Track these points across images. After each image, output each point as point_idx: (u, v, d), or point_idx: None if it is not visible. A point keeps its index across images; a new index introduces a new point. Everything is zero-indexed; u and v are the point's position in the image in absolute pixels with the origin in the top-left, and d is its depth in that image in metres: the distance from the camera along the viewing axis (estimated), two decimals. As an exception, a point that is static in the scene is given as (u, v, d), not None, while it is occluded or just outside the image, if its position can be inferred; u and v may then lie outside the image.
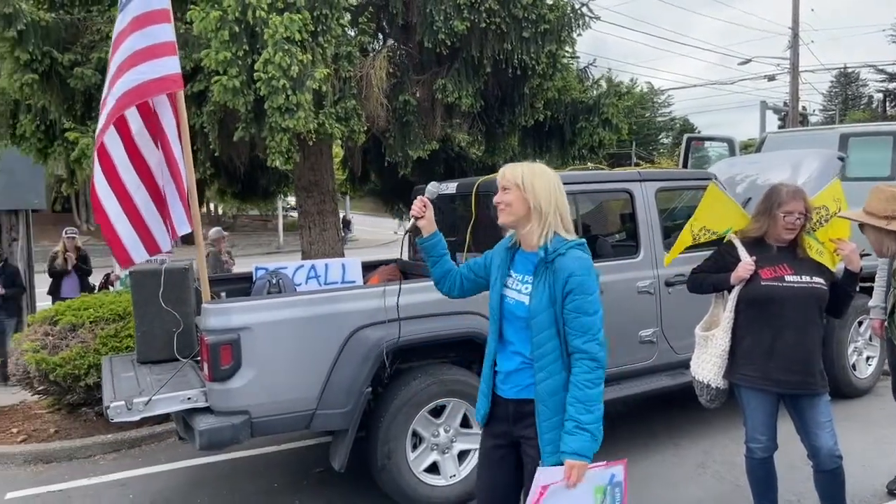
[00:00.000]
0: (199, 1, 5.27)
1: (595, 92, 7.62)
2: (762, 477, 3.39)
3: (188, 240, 5.45)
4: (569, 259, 2.35)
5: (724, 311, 3.38)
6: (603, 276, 4.49)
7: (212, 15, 4.99)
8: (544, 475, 2.30)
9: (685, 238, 3.62)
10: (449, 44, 6.25)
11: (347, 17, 6.36)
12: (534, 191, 2.40)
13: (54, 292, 8.61)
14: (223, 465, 4.94)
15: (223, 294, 4.91)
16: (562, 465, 2.27)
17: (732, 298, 3.32)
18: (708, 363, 3.43)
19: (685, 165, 9.26)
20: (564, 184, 4.60)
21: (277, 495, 4.40)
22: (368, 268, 5.54)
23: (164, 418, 5.15)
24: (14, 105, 6.45)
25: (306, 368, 3.70)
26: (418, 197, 2.64)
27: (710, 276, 3.46)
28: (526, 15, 6.30)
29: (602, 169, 5.45)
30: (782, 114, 26.02)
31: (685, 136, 9.70)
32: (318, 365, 3.73)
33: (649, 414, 5.48)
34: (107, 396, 3.67)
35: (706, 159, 9.73)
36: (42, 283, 8.75)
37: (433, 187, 2.77)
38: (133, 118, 4.04)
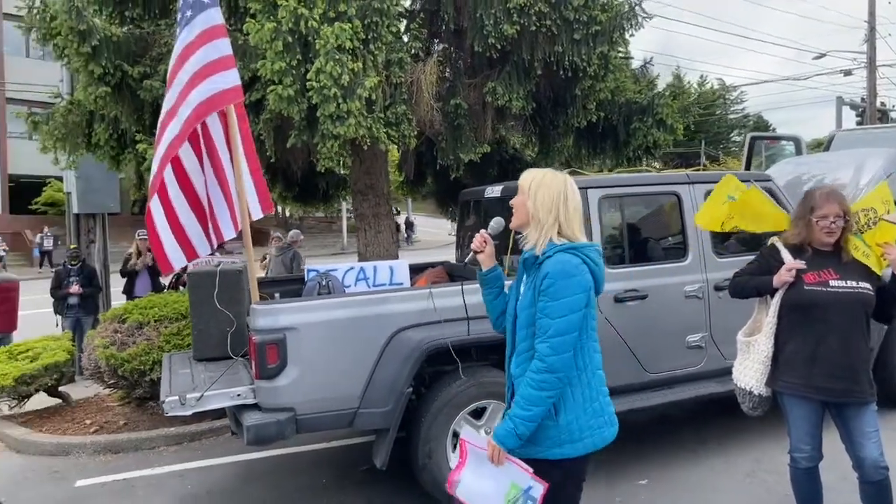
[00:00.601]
0: (257, 13, 5.49)
1: (650, 92, 7.50)
2: (806, 487, 3.32)
3: (259, 241, 5.66)
4: (551, 262, 2.38)
5: (766, 316, 3.32)
6: (648, 279, 4.53)
7: (266, 26, 5.19)
8: (469, 434, 2.58)
9: (716, 215, 3.55)
10: (499, 47, 6.29)
11: (403, 23, 6.49)
12: (534, 199, 2.47)
13: (128, 291, 9.05)
14: (276, 460, 5.13)
15: (277, 295, 5.11)
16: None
17: (775, 303, 3.26)
18: (750, 369, 3.37)
19: (748, 166, 9.01)
20: (610, 187, 4.62)
21: (324, 491, 4.55)
22: (416, 270, 5.64)
23: (223, 413, 5.38)
24: (89, 115, 6.83)
25: (349, 368, 3.82)
26: (480, 231, 2.70)
27: (752, 279, 3.39)
28: (577, 17, 6.27)
29: (651, 171, 5.39)
30: (860, 110, 24.86)
31: (748, 135, 9.43)
32: (360, 365, 3.84)
33: (698, 420, 5.38)
34: (163, 391, 3.89)
35: (777, 158, 9.43)
36: (118, 282, 9.23)
37: (496, 223, 2.81)
38: None
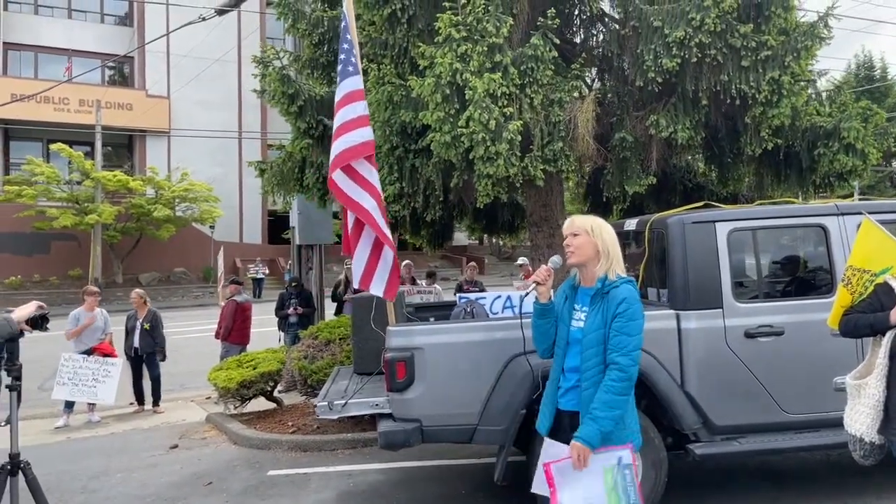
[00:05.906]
0: (425, 69, 6.19)
1: (841, 114, 6.95)
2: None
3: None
4: (622, 290, 2.88)
5: (878, 357, 3.14)
6: (785, 315, 4.36)
7: (427, 81, 5.86)
8: (548, 453, 2.84)
9: (842, 296, 3.38)
10: (660, 81, 6.35)
11: (551, 69, 6.78)
12: (602, 238, 2.96)
13: (339, 313, 10.33)
14: (429, 469, 5.67)
15: (432, 319, 5.68)
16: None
17: (886, 343, 3.08)
18: (861, 415, 3.21)
19: None
20: (741, 220, 4.57)
21: (458, 499, 4.97)
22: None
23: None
24: (301, 161, 8.06)
25: (470, 388, 4.22)
26: (543, 266, 3.13)
27: (865, 316, 3.20)
28: (745, 43, 6.15)
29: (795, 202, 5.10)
30: None
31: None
32: (480, 385, 4.22)
33: (858, 468, 4.92)
34: (319, 397, 4.61)
35: None
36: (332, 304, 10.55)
37: (558, 258, 3.26)
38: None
